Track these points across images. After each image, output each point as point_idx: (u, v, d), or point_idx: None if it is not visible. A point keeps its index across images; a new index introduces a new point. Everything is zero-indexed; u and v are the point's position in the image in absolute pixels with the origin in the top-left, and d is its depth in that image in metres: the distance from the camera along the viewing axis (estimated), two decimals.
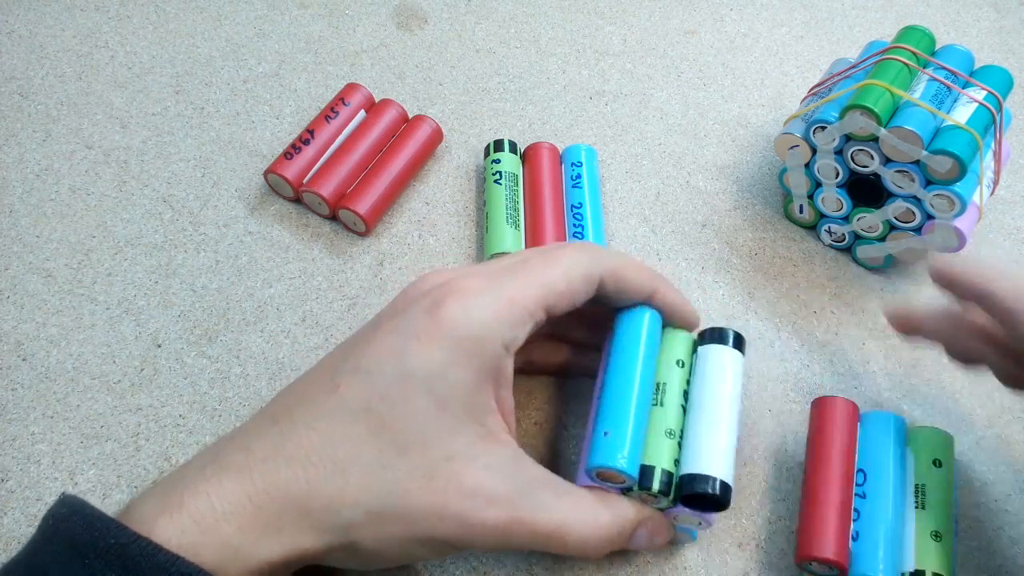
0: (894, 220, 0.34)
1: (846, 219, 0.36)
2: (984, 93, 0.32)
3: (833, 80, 0.35)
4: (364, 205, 0.35)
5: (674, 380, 0.26)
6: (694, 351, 0.27)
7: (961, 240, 0.32)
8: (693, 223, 0.38)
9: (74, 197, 0.36)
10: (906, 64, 0.32)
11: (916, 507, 0.27)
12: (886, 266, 0.37)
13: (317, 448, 0.22)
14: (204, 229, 0.36)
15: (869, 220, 0.35)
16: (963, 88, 0.33)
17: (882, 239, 0.35)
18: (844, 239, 0.37)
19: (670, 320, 0.27)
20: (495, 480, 0.22)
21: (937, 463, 0.28)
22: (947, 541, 0.26)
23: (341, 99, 0.38)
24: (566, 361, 0.31)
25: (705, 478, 0.24)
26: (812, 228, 0.38)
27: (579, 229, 0.35)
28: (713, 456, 0.24)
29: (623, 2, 0.48)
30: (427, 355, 0.22)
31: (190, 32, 0.43)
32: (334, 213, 0.36)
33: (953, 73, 0.32)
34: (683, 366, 0.27)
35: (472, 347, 0.22)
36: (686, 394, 0.26)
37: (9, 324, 0.32)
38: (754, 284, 0.36)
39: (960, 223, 0.32)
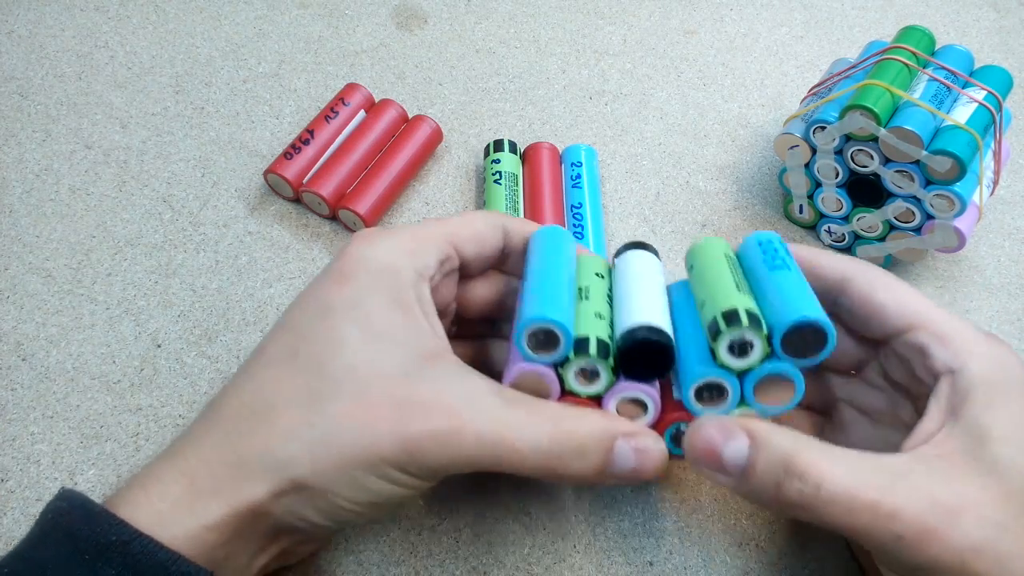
0: (894, 220, 0.34)
1: (846, 219, 0.36)
2: (984, 93, 0.32)
3: (833, 80, 0.35)
4: (364, 205, 0.35)
5: (596, 285, 0.25)
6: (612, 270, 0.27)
7: (961, 240, 0.32)
8: (693, 223, 0.38)
9: (74, 197, 0.36)
10: (906, 64, 0.32)
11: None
12: (886, 266, 0.37)
13: (245, 402, 0.22)
14: (204, 229, 0.36)
15: (869, 220, 0.35)
16: (963, 88, 0.33)
17: (882, 239, 0.35)
18: (844, 239, 0.37)
19: None
20: (433, 391, 0.21)
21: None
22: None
23: (341, 99, 0.38)
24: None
25: (641, 326, 0.22)
26: (812, 228, 0.38)
27: (579, 229, 0.35)
28: (645, 309, 0.23)
29: (623, 2, 0.48)
30: (341, 290, 0.23)
31: (190, 32, 0.43)
32: (334, 213, 0.36)
33: (953, 73, 0.32)
34: (603, 277, 0.26)
35: (383, 276, 0.23)
36: (610, 298, 0.25)
37: (9, 324, 0.32)
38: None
39: (960, 223, 0.32)
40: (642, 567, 0.28)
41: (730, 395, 0.22)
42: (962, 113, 0.32)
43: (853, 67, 0.34)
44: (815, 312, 0.21)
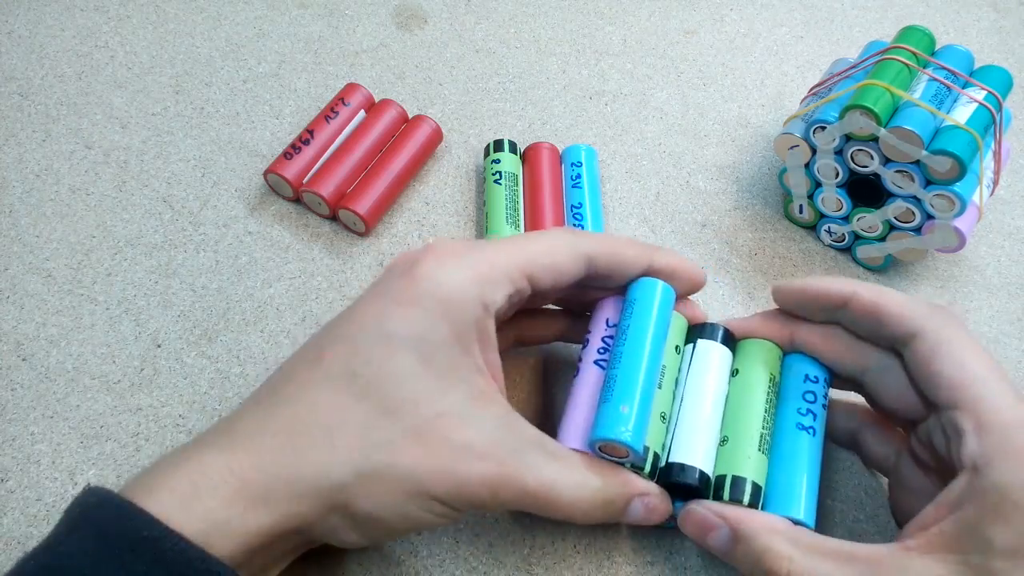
0: (894, 220, 0.34)
1: (846, 219, 0.36)
2: (984, 93, 0.32)
3: (833, 80, 0.35)
4: (364, 205, 0.35)
5: (672, 365, 0.26)
6: (689, 341, 0.28)
7: (961, 240, 0.32)
8: (693, 223, 0.38)
9: (74, 197, 0.36)
10: (906, 64, 0.32)
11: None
12: (886, 266, 0.37)
13: (302, 418, 0.22)
14: (204, 229, 0.36)
15: (869, 220, 0.35)
16: (963, 88, 0.33)
17: (882, 239, 0.35)
18: (844, 239, 0.37)
19: (677, 284, 0.27)
20: (485, 436, 0.22)
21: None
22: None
23: (341, 99, 0.38)
24: (558, 332, 0.30)
25: (692, 469, 0.25)
26: (812, 228, 0.38)
27: (579, 229, 0.35)
28: (699, 449, 0.25)
29: (623, 2, 0.48)
30: (406, 314, 0.22)
31: (190, 32, 0.43)
32: (334, 213, 0.36)
33: (953, 73, 0.32)
34: (679, 352, 0.27)
35: (450, 305, 0.23)
36: (677, 380, 0.27)
37: (9, 324, 0.32)
38: (754, 284, 0.36)
39: (960, 223, 0.32)
40: (642, 567, 0.28)
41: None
42: (962, 113, 0.32)
43: (853, 67, 0.34)
44: (807, 515, 0.24)
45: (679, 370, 0.27)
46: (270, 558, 0.22)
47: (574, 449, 0.24)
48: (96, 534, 0.19)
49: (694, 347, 0.27)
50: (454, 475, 0.21)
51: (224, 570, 0.19)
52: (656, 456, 0.25)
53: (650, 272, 0.26)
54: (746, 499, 0.24)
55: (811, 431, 0.25)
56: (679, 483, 0.25)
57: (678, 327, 0.27)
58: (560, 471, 0.23)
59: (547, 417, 0.31)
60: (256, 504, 0.20)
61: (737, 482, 0.24)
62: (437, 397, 0.22)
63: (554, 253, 0.25)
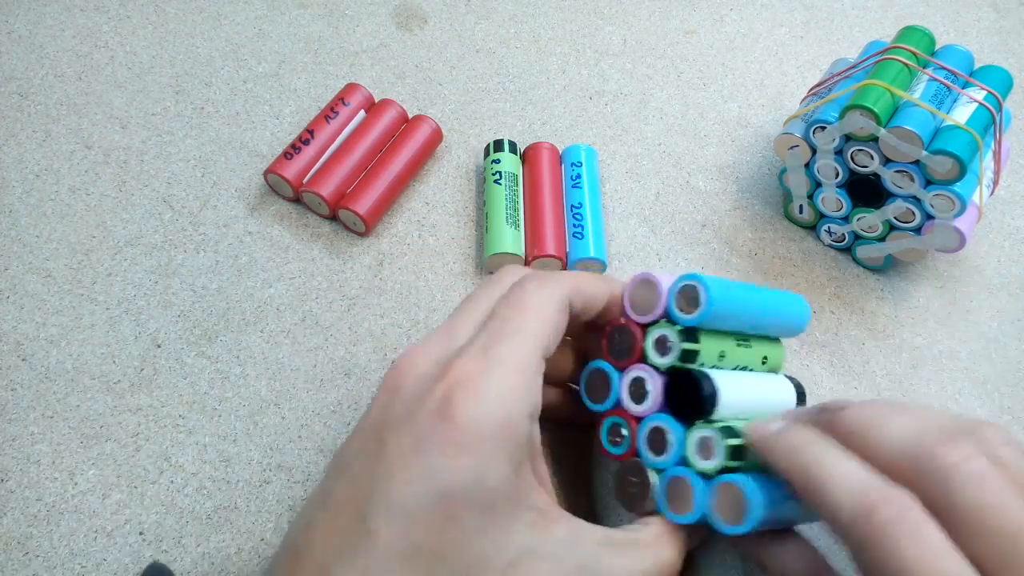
0: (894, 220, 0.34)
1: (846, 219, 0.36)
2: (984, 93, 0.32)
3: (833, 80, 0.35)
4: (364, 205, 0.35)
5: (754, 354, 0.27)
6: (779, 372, 0.28)
7: (961, 240, 0.32)
8: (693, 223, 0.38)
9: (74, 197, 0.36)
10: (906, 64, 0.32)
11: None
12: (886, 266, 0.37)
13: None
14: (204, 229, 0.36)
15: (869, 220, 0.35)
16: (963, 88, 0.33)
17: (882, 239, 0.35)
18: (844, 239, 0.37)
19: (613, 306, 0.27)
20: (561, 569, 0.21)
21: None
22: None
23: (341, 99, 0.38)
24: (561, 405, 0.28)
25: (711, 384, 0.24)
26: (812, 228, 0.38)
27: (579, 229, 0.35)
28: (733, 391, 0.24)
29: (623, 2, 0.48)
30: (460, 467, 0.20)
31: (190, 32, 0.43)
32: (334, 213, 0.36)
33: (953, 73, 0.32)
34: (764, 364, 0.27)
35: (501, 437, 0.21)
36: (747, 368, 0.27)
37: (9, 324, 0.32)
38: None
39: (960, 223, 0.32)
40: None
41: (671, 452, 0.25)
42: (962, 113, 0.32)
43: (853, 67, 0.34)
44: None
45: (751, 369, 0.27)
46: None
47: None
48: None
49: (776, 375, 0.28)
50: None
51: None
52: (693, 353, 0.24)
53: (611, 298, 0.26)
54: (726, 442, 0.23)
55: (787, 495, 0.24)
56: (691, 385, 0.24)
57: (779, 353, 0.28)
58: (635, 560, 0.23)
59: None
60: None
61: (733, 433, 0.23)
62: (503, 543, 0.21)
63: (551, 319, 0.24)
